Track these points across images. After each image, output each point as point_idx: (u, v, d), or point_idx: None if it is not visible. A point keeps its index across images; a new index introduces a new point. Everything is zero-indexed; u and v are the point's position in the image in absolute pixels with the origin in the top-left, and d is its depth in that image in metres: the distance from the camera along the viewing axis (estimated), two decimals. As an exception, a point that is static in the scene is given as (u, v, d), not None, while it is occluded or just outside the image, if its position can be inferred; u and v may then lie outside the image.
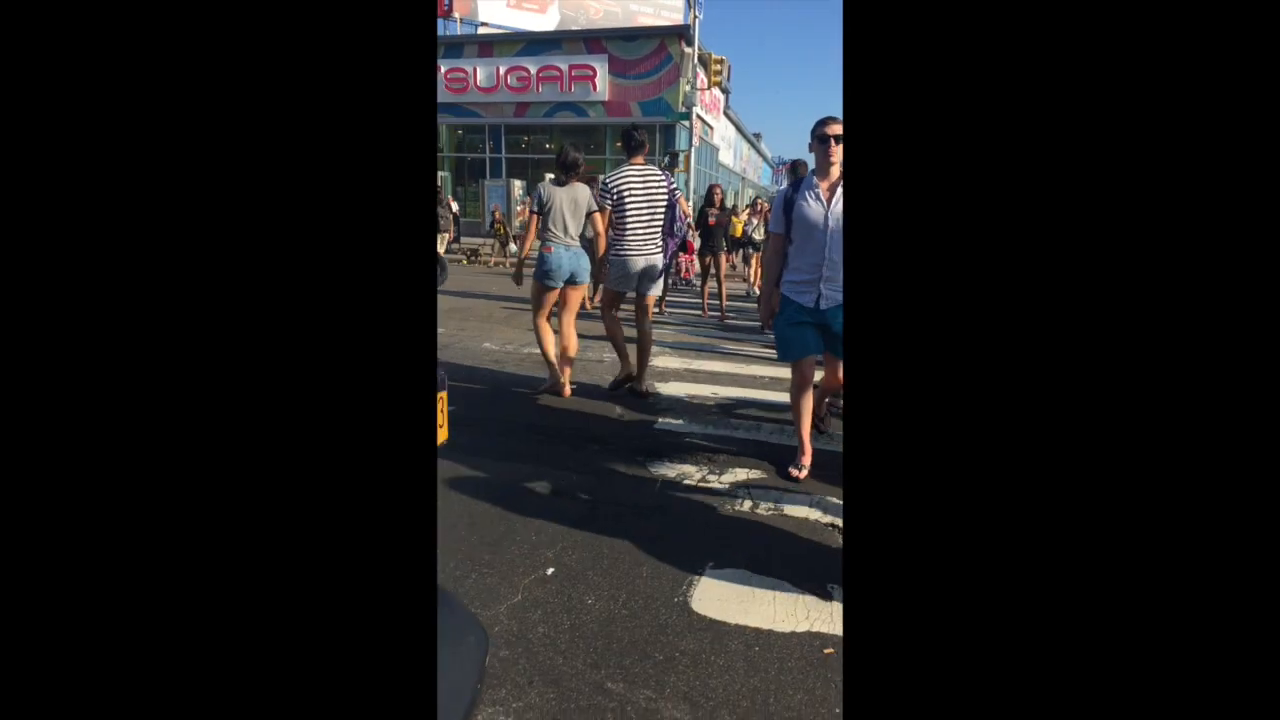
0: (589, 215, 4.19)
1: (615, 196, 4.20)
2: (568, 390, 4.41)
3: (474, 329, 7.10)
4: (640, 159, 4.29)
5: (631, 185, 4.19)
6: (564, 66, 19.74)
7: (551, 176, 4.31)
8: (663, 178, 4.29)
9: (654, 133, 19.88)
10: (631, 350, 4.68)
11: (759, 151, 44.84)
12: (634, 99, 19.49)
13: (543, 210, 4.15)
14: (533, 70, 20.00)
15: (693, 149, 17.38)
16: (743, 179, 36.52)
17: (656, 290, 4.43)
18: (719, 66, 15.23)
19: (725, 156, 27.65)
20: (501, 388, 4.80)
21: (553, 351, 4.35)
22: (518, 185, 16.70)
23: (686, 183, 16.99)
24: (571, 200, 4.13)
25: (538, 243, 4.23)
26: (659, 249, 4.32)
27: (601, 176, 4.55)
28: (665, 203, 4.26)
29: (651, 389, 4.54)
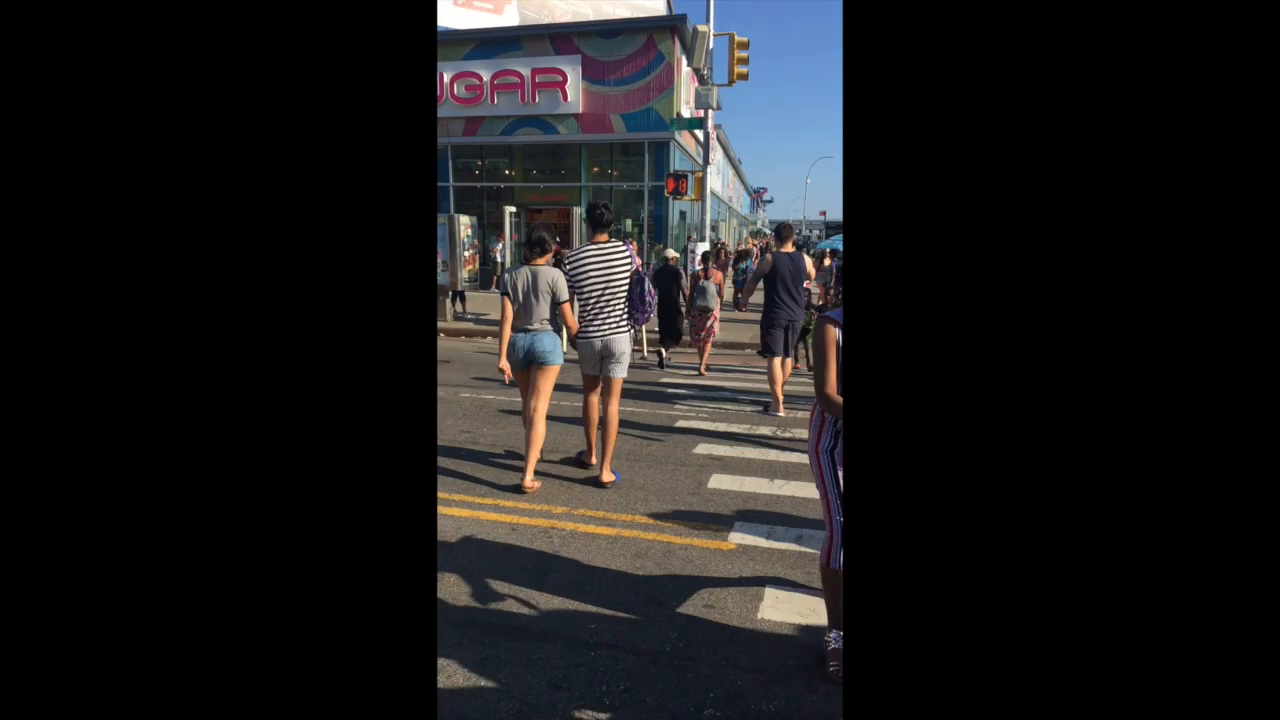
0: (557, 305, 3.90)
1: (571, 278, 3.97)
2: (529, 480, 3.91)
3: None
4: (604, 235, 4.04)
5: (587, 264, 3.95)
6: (525, 71, 15.59)
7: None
8: (625, 253, 4.03)
9: (642, 153, 15.82)
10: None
11: (741, 178, 41.38)
12: (615, 110, 15.38)
13: (506, 292, 3.96)
14: (486, 77, 15.79)
15: (709, 167, 13.05)
16: (729, 208, 32.83)
17: (621, 371, 4.05)
18: (743, 51, 10.92)
19: (714, 182, 23.42)
20: None
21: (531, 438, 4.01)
22: (465, 222, 12.09)
23: (701, 215, 12.66)
24: (528, 283, 3.89)
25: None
26: (620, 328, 4.03)
27: (565, 254, 4.59)
28: (625, 279, 4.01)
29: (604, 478, 4.04)
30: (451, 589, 2.71)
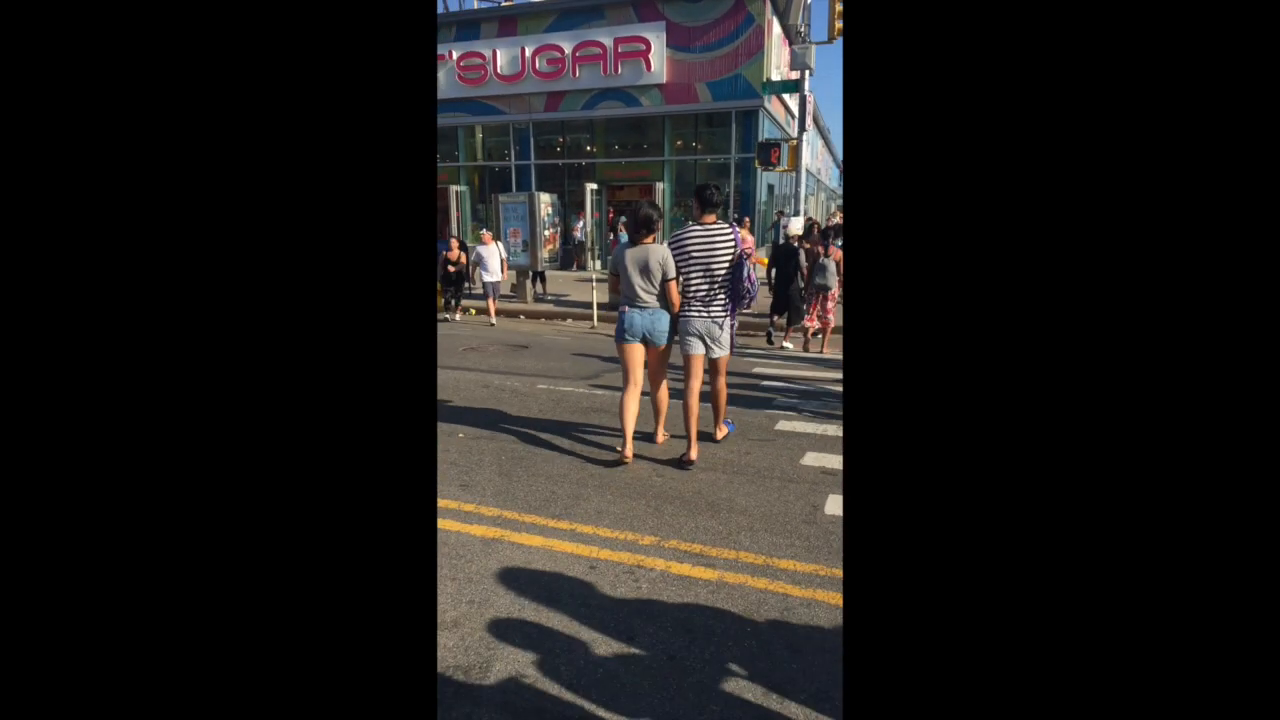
0: (665, 282, 4.00)
1: (675, 255, 4.02)
2: (629, 453, 4.04)
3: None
4: (711, 217, 4.06)
5: (690, 245, 4.02)
6: (608, 42, 14.95)
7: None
8: (730, 236, 4.02)
9: (729, 124, 14.95)
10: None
11: (829, 148, 39.46)
12: (701, 78, 14.55)
13: (615, 272, 4.15)
14: (568, 49, 15.26)
15: (805, 136, 12.08)
16: (817, 180, 31.30)
17: (722, 351, 4.17)
18: (844, 4, 9.97)
19: (804, 153, 22.04)
20: None
21: (629, 421, 4.06)
22: (546, 201, 11.64)
23: (794, 187, 11.75)
24: (639, 261, 4.00)
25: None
26: (722, 311, 4.09)
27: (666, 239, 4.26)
28: (727, 262, 4.00)
29: (716, 436, 4.40)
30: (516, 660, 2.17)
